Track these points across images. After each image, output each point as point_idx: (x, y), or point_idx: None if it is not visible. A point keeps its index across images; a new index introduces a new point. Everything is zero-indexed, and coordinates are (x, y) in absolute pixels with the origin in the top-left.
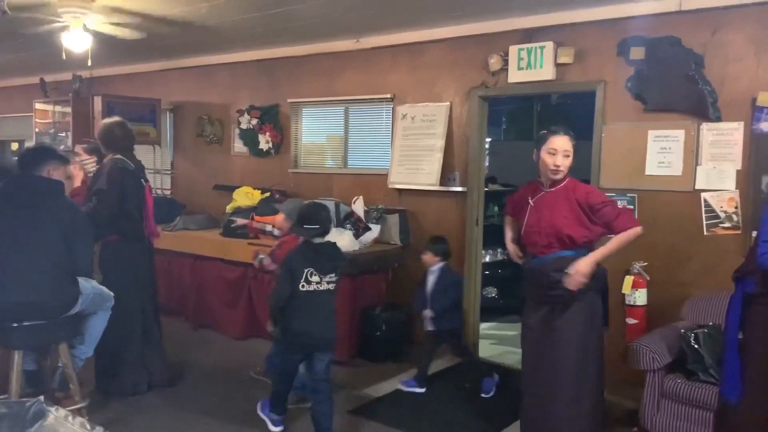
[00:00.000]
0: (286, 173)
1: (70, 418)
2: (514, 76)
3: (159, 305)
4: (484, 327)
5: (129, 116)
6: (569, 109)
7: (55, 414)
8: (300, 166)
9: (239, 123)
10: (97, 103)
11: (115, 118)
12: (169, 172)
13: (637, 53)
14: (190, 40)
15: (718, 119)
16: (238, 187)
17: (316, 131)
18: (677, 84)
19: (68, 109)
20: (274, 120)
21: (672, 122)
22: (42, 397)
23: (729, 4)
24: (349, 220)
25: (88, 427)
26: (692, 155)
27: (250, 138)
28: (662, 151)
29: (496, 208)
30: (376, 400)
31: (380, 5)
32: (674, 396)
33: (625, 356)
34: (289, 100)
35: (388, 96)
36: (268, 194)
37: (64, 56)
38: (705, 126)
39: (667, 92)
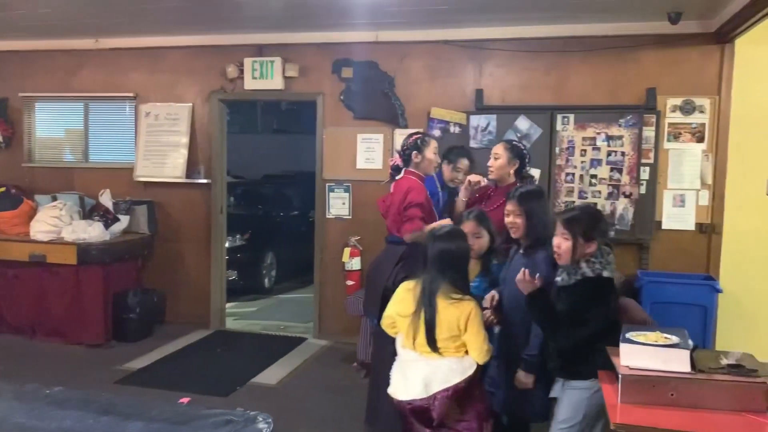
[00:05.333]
0: (19, 167)
1: None
2: (250, 84)
3: None
4: (229, 306)
5: None
6: (301, 110)
7: None
8: (35, 160)
9: None
10: None
11: None
12: None
13: (347, 72)
14: None
15: (406, 126)
16: None
17: (52, 125)
18: (376, 99)
19: None
20: (4, 113)
21: (374, 128)
22: None
23: (410, 40)
24: (96, 212)
25: None
26: (389, 153)
27: None
28: (368, 150)
29: (232, 198)
30: (138, 371)
31: (117, 11)
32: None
33: (346, 309)
34: (20, 94)
35: (131, 95)
36: (3, 189)
37: None
38: (397, 131)
39: (370, 105)
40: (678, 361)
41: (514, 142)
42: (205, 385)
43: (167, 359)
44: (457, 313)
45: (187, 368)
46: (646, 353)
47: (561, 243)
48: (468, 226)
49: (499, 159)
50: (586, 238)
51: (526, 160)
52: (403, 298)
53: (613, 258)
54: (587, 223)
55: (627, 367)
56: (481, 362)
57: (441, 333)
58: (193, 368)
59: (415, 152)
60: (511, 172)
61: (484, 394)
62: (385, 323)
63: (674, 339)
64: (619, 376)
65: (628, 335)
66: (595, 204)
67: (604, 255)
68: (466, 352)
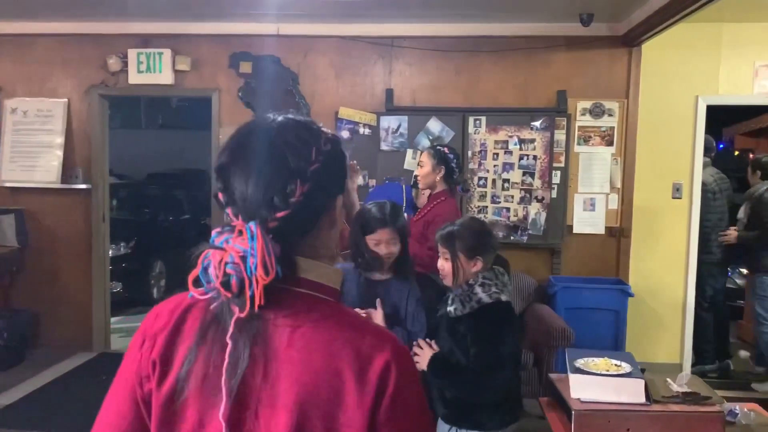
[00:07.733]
0: None
1: None
2: (135, 78)
3: None
4: (114, 321)
5: None
6: (191, 105)
7: None
8: None
9: None
10: None
11: None
12: None
13: (246, 67)
14: None
15: None
16: None
17: None
18: (279, 96)
19: None
20: None
21: None
22: None
23: (315, 34)
24: None
25: None
26: None
27: None
28: None
29: (115, 202)
30: (5, 408)
31: None
32: None
33: None
34: None
35: None
36: None
37: None
38: None
39: (272, 102)
40: (632, 392)
41: (438, 147)
42: (87, 424)
43: (42, 392)
44: None
45: (65, 402)
46: (598, 384)
47: (443, 264)
48: None
49: (423, 167)
50: (469, 256)
51: (453, 165)
52: None
53: (508, 279)
54: (468, 239)
55: (578, 400)
56: None
57: None
58: (72, 401)
59: None
60: (438, 178)
61: None
62: None
63: (626, 367)
64: (573, 411)
65: (577, 363)
66: (508, 209)
67: (499, 276)
68: None
